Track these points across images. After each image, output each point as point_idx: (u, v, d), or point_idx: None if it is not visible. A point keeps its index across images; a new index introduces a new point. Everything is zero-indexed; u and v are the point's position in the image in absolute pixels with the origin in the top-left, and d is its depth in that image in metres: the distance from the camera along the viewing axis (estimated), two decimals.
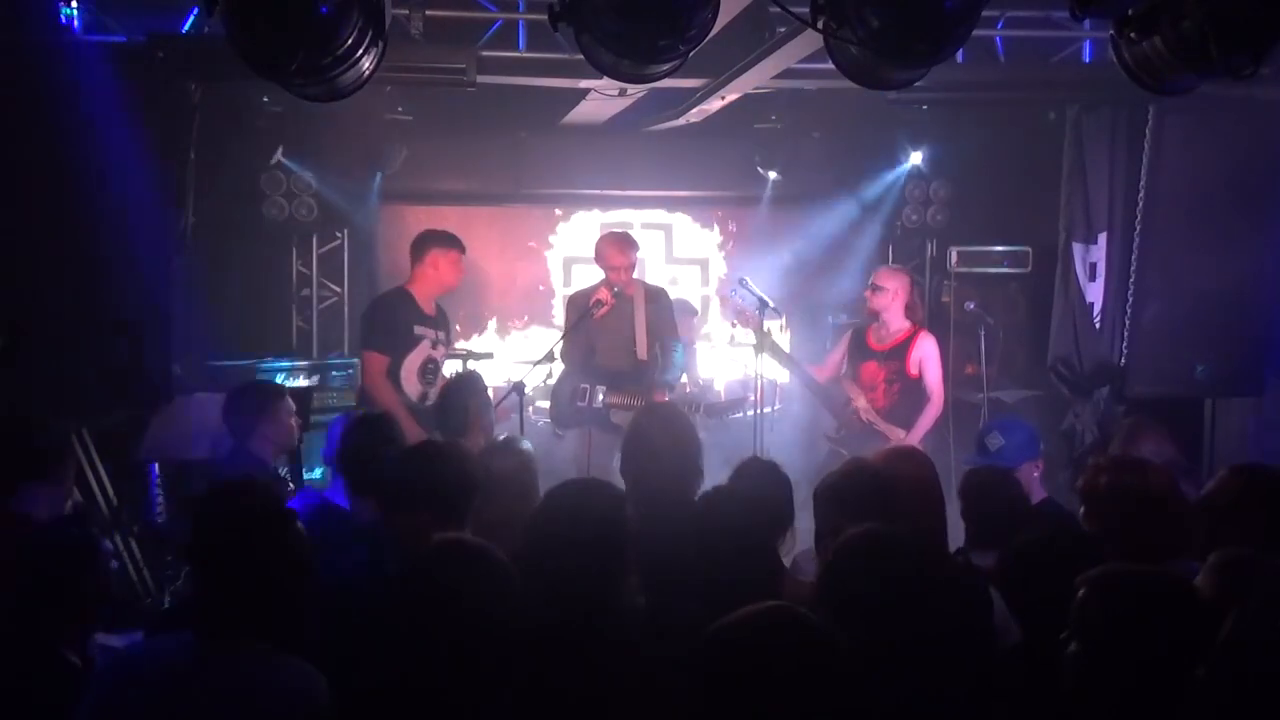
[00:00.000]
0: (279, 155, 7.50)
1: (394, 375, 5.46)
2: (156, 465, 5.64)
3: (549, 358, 6.11)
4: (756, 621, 1.96)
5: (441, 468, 3.14)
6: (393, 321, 5.53)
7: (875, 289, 6.10)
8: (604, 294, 5.97)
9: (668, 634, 2.48)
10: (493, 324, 8.55)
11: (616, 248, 6.09)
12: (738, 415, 5.91)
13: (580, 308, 6.08)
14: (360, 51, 3.77)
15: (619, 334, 6.07)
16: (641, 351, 6.07)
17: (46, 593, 2.79)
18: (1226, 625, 2.11)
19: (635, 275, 6.25)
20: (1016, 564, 2.74)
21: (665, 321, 6.22)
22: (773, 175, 8.19)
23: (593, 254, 6.23)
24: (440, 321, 5.76)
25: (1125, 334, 6.40)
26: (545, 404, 6.94)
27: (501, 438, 4.40)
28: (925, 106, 7.10)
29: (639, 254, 6.30)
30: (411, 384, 5.50)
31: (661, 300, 6.27)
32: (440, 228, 5.91)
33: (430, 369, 5.59)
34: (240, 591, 2.38)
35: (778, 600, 2.12)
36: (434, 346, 5.62)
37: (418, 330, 5.57)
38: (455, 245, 5.75)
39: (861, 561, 2.41)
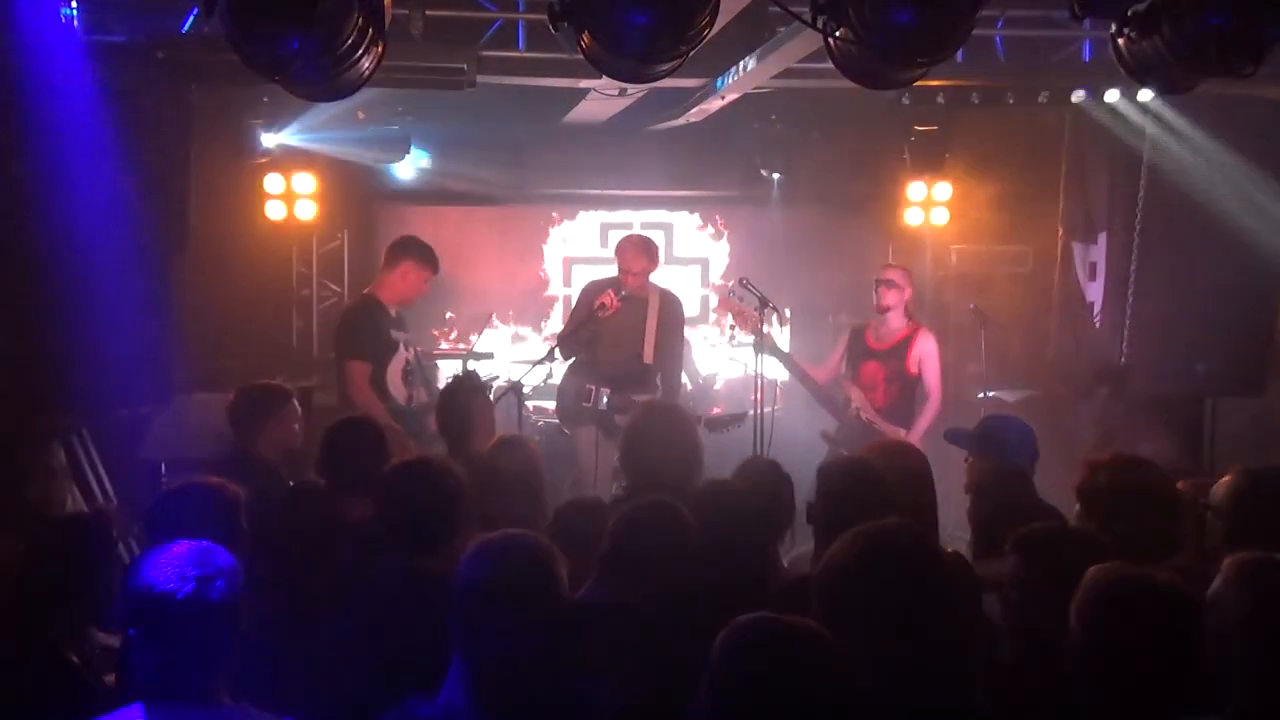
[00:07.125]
0: (279, 141, 7.43)
1: (379, 382, 5.45)
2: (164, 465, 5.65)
3: (549, 358, 6.10)
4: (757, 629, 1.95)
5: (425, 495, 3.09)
6: (374, 328, 5.53)
7: (889, 284, 6.05)
8: (609, 297, 5.92)
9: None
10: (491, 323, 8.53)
11: (636, 252, 6.06)
12: (738, 428, 5.87)
13: (589, 301, 6.06)
14: (360, 51, 3.77)
15: (626, 334, 6.05)
16: (648, 355, 6.05)
17: (60, 587, 2.75)
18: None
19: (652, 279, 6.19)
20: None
21: (674, 330, 6.21)
22: (774, 175, 8.18)
23: (596, 253, 6.21)
24: (405, 324, 5.79)
25: (1126, 333, 6.41)
26: (541, 403, 6.94)
27: (508, 435, 4.41)
28: (925, 105, 7.10)
29: (659, 262, 6.25)
30: (398, 388, 5.52)
31: (674, 308, 6.25)
32: (423, 241, 5.79)
33: (410, 371, 5.62)
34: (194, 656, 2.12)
35: (765, 592, 2.10)
36: (407, 349, 5.64)
37: (394, 335, 5.57)
38: (432, 265, 5.72)
39: (853, 562, 2.39)
